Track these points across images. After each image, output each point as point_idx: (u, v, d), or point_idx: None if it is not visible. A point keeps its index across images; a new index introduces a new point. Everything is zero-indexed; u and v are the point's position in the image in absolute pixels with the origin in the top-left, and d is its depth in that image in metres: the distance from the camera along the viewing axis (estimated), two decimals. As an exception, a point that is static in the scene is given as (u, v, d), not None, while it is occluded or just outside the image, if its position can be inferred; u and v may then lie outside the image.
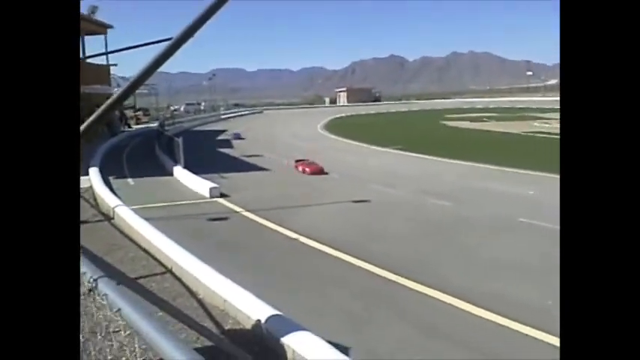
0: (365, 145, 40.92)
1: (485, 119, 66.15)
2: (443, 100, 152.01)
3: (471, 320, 9.36)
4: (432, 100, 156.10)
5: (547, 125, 53.90)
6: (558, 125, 53.70)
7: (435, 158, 31.98)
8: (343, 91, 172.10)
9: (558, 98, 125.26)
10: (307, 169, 26.47)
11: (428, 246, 14.16)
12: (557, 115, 67.14)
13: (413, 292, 10.78)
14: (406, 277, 11.39)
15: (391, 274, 11.69)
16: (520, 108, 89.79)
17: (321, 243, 14.13)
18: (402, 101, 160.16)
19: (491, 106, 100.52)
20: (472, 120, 65.43)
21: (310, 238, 14.58)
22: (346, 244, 13.94)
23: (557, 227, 12.60)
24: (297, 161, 28.05)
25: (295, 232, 15.32)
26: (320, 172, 26.24)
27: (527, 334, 8.69)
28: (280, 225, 16.12)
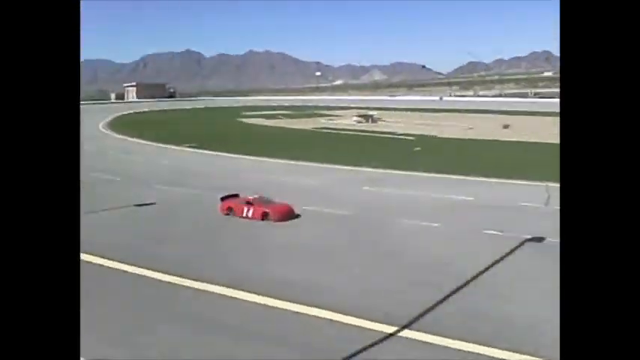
0: (155, 143, 38.32)
1: (279, 117, 69.41)
2: (241, 98, 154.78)
3: (245, 306, 9.32)
4: (231, 97, 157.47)
5: (332, 122, 59.35)
6: (340, 121, 59.24)
7: (230, 155, 31.85)
8: (133, 86, 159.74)
9: (342, 97, 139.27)
10: (270, 213, 15.86)
11: (217, 242, 13.76)
12: (340, 112, 74.92)
13: (190, 290, 10.19)
14: (187, 277, 10.76)
15: (169, 276, 10.87)
16: (310, 106, 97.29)
17: (97, 255, 12.33)
18: (200, 98, 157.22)
19: (285, 104, 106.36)
20: (267, 117, 67.93)
21: (84, 252, 12.61)
22: (126, 251, 12.50)
23: (336, 212, 12.98)
24: (225, 198, 16.94)
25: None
26: (290, 214, 16.23)
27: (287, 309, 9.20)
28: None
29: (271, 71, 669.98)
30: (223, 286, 10.46)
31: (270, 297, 9.85)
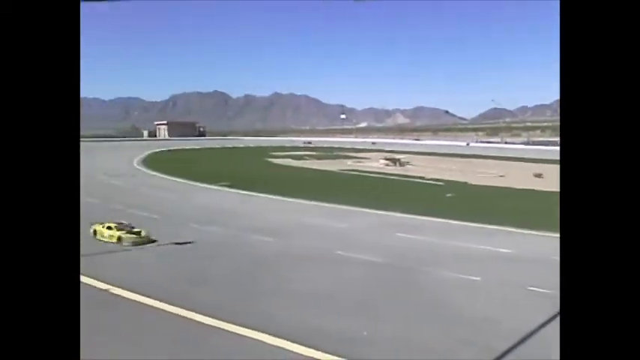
0: (189, 182, 39.24)
1: (306, 157, 70.32)
2: (268, 138, 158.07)
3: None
4: (258, 137, 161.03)
5: (359, 164, 59.74)
6: (367, 164, 59.32)
7: (260, 195, 32.28)
8: (164, 124, 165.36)
9: (366, 140, 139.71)
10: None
11: (249, 282, 13.86)
12: (367, 155, 75.27)
13: (229, 333, 10.29)
14: (226, 321, 10.85)
15: (209, 319, 11.05)
16: (336, 147, 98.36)
17: (135, 292, 12.63)
18: (228, 137, 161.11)
19: (311, 146, 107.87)
20: (295, 158, 68.90)
21: (123, 288, 12.95)
22: (167, 293, 12.75)
23: (366, 257, 12.93)
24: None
25: (104, 281, 13.49)
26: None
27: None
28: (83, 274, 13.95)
29: (296, 113, 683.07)
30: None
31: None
